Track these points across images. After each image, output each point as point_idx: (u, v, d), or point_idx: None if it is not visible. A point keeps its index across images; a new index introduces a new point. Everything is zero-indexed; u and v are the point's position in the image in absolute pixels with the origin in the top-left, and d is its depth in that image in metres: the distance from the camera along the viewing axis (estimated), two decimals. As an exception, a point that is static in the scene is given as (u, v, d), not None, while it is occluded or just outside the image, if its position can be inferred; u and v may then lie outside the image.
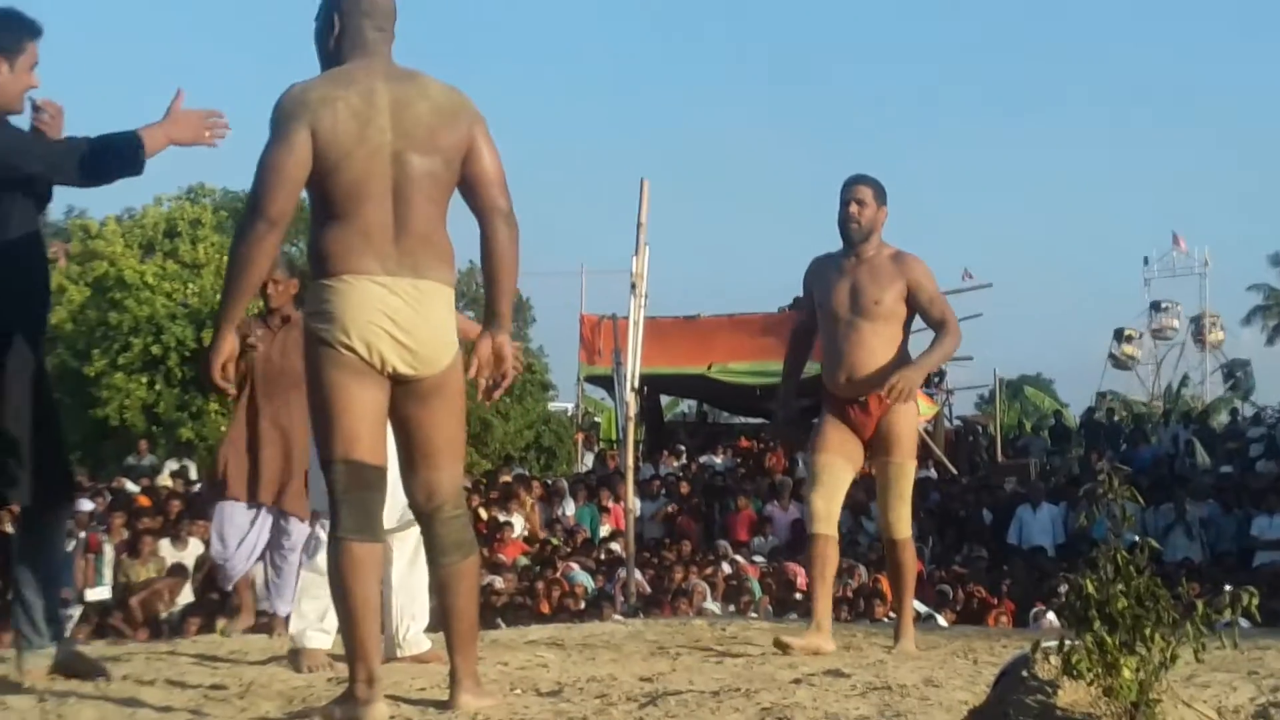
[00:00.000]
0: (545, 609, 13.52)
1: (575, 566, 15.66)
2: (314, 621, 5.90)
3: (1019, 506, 19.30)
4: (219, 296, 4.95)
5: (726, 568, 16.16)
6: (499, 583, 14.45)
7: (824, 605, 6.68)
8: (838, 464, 6.77)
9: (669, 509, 20.61)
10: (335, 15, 4.71)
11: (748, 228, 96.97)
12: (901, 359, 6.68)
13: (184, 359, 25.16)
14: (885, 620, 12.75)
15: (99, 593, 13.15)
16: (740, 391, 28.64)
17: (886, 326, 6.68)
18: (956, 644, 7.23)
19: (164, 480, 18.99)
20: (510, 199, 4.68)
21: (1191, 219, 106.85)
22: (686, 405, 37.33)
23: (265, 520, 7.36)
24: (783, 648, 6.44)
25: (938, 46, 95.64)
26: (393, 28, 4.74)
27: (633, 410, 13.95)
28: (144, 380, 25.89)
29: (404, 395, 4.55)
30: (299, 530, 7.47)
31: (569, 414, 31.99)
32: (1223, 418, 30.65)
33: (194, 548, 14.03)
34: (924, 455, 27.33)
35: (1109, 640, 3.41)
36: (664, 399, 32.95)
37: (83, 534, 14.27)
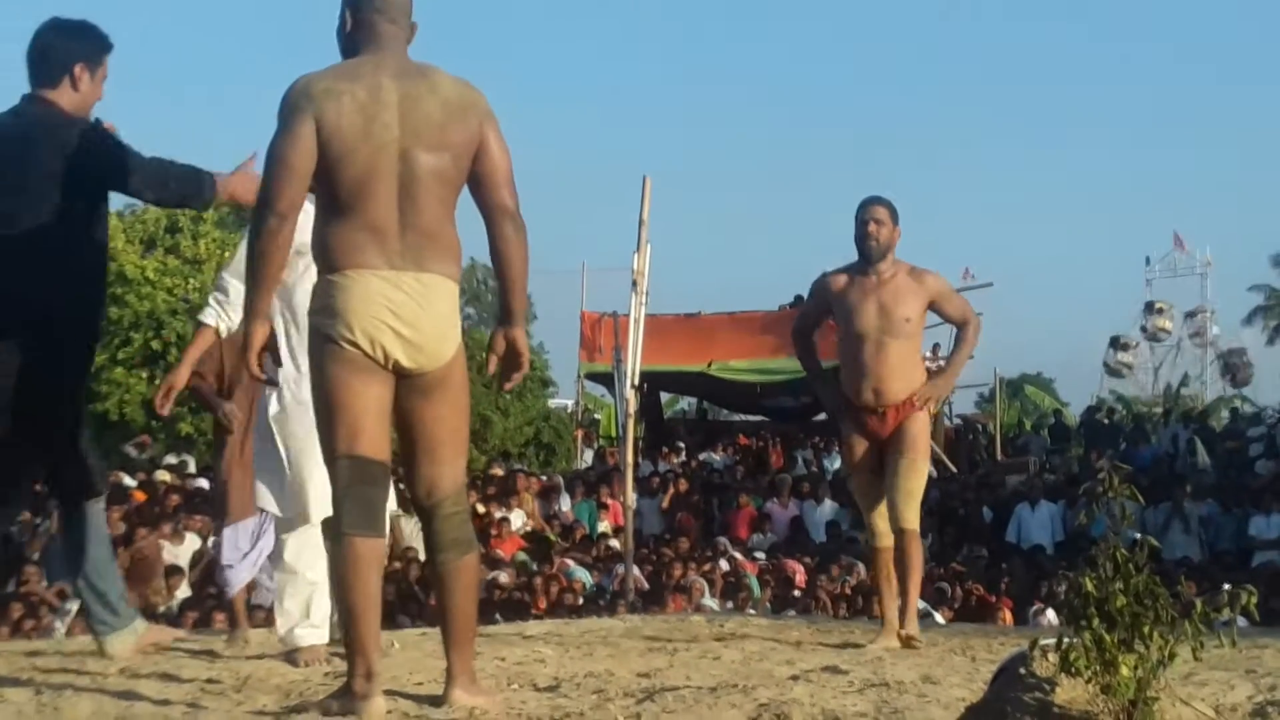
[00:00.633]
0: (543, 604, 13.51)
1: (573, 562, 15.66)
2: (299, 619, 5.91)
3: (1018, 505, 19.31)
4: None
5: (724, 564, 16.16)
6: (503, 577, 14.45)
7: (891, 606, 7.11)
8: (873, 481, 7.19)
9: (664, 504, 20.64)
10: (348, 10, 4.71)
11: (749, 226, 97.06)
12: (921, 372, 7.22)
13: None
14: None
15: None
16: (740, 389, 28.64)
17: (910, 342, 7.14)
18: (954, 641, 7.23)
19: (161, 475, 18.95)
20: (518, 198, 4.66)
21: (1193, 219, 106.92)
22: (686, 402, 37.34)
23: (268, 525, 7.27)
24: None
25: (940, 46, 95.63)
26: (407, 21, 4.73)
27: (633, 407, 13.95)
28: (144, 375, 25.87)
29: (407, 389, 4.55)
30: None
31: (569, 411, 31.96)
32: (1222, 416, 30.64)
33: (190, 543, 14.01)
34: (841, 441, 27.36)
35: (1107, 638, 3.41)
36: (664, 396, 32.95)
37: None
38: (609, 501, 19.61)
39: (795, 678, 5.40)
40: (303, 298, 5.48)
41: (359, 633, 4.43)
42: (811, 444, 26.68)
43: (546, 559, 15.70)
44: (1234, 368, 38.85)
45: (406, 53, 4.71)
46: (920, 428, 7.13)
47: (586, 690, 4.99)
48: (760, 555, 17.55)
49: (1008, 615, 13.90)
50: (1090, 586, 3.50)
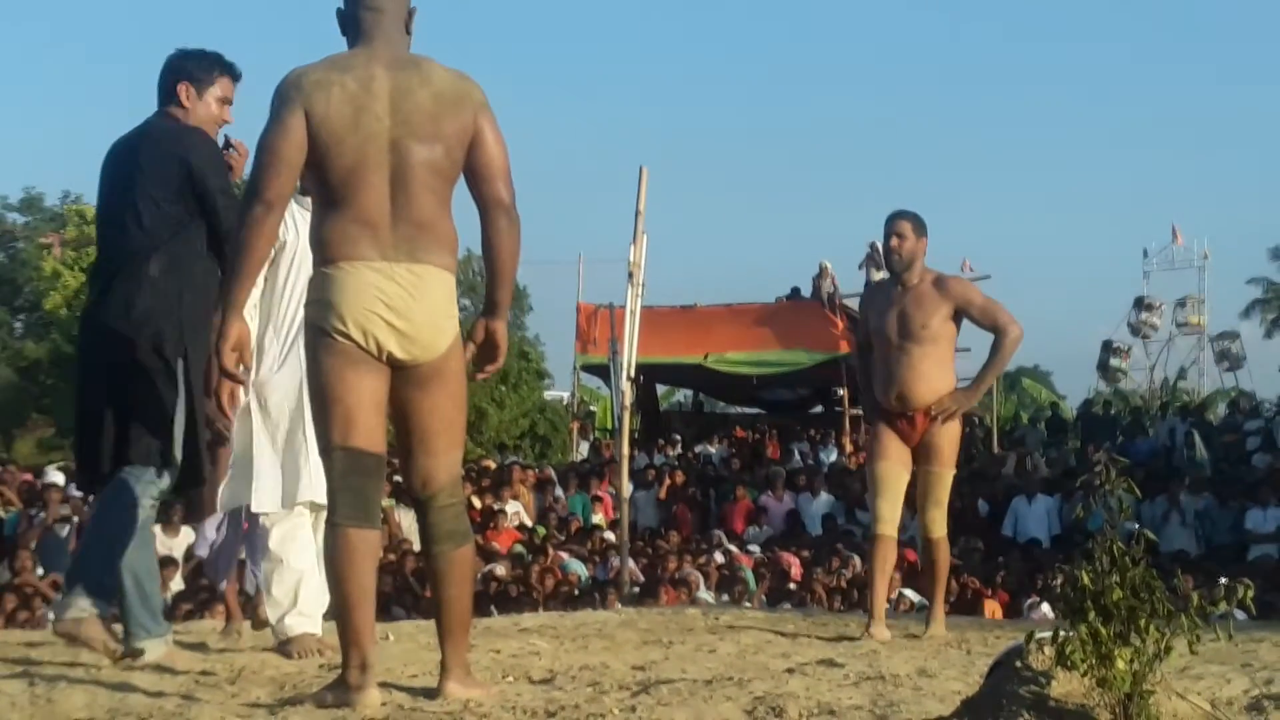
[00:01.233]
0: (538, 597, 13.51)
1: (568, 555, 15.66)
2: (288, 606, 5.90)
3: (1014, 498, 19.31)
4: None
5: (720, 557, 16.16)
6: (500, 570, 14.45)
7: (881, 598, 7.30)
8: (895, 471, 7.33)
9: (660, 496, 20.67)
10: (341, 5, 4.72)
11: (746, 218, 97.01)
12: (949, 378, 7.38)
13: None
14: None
15: None
16: (736, 381, 28.66)
17: (934, 348, 7.27)
18: (950, 634, 7.24)
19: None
20: (513, 191, 4.64)
21: (1191, 212, 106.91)
22: (682, 395, 37.38)
23: (237, 516, 7.11)
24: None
25: (939, 38, 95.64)
26: (394, 7, 4.68)
27: (628, 399, 13.92)
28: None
29: (402, 380, 4.54)
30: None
31: (564, 402, 32.00)
32: (1220, 410, 30.62)
33: (185, 535, 13.99)
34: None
35: (1103, 631, 3.40)
36: (660, 388, 32.97)
37: (76, 519, 14.25)
38: (603, 494, 19.64)
39: (791, 671, 5.40)
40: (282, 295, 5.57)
41: (353, 624, 4.43)
42: (808, 437, 26.71)
43: (540, 552, 15.70)
44: (1226, 352, 38.90)
45: (401, 41, 4.69)
46: (947, 438, 7.33)
47: (581, 683, 4.98)
48: (755, 548, 17.54)
49: (997, 609, 13.88)
50: (1086, 580, 3.49)
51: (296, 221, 5.91)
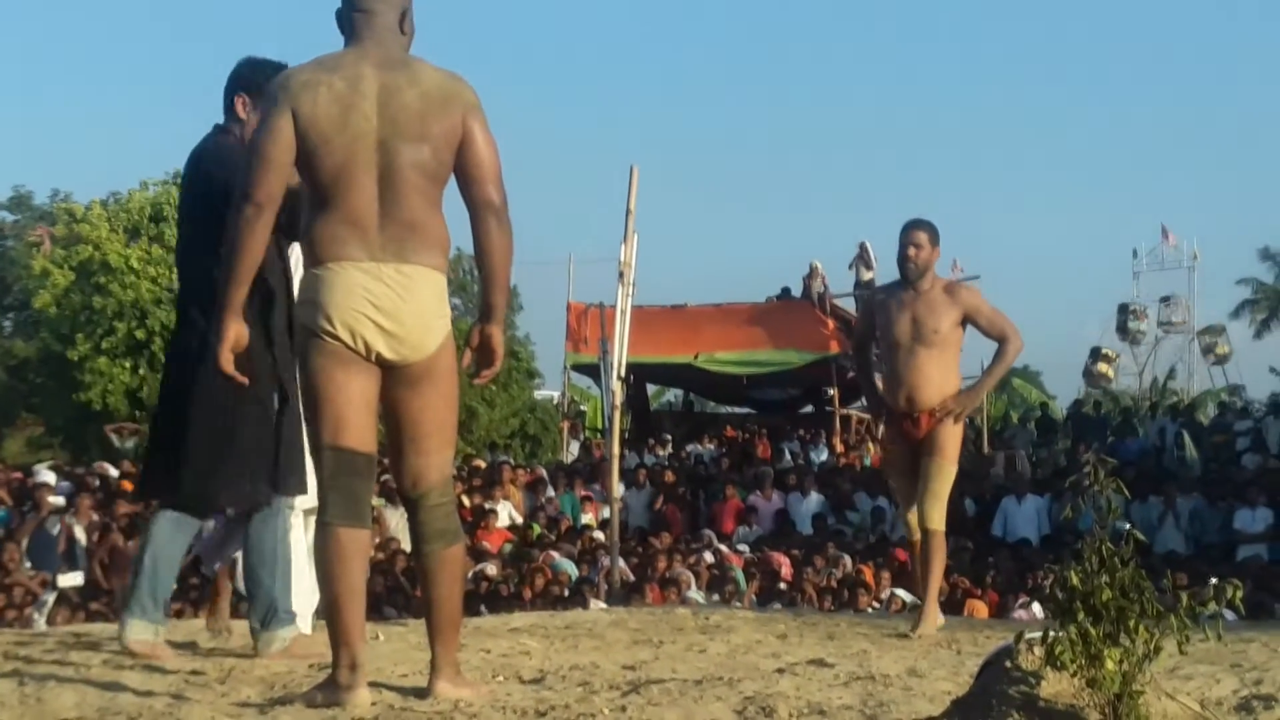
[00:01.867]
0: (528, 596, 13.50)
1: (558, 554, 15.65)
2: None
3: (1004, 498, 19.34)
4: None
5: (710, 557, 16.16)
6: (490, 569, 14.44)
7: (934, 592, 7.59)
8: (908, 481, 7.67)
9: (650, 497, 20.68)
10: (339, 6, 4.72)
11: (736, 217, 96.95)
12: (954, 381, 7.63)
13: (168, 344, 25.13)
14: (869, 610, 12.78)
15: (72, 578, 13.11)
16: (727, 381, 28.70)
17: (942, 353, 7.56)
18: (940, 635, 7.24)
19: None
20: (504, 192, 4.63)
21: (1181, 212, 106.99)
22: (673, 394, 37.37)
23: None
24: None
25: (928, 38, 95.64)
26: (385, 8, 4.67)
27: (619, 399, 13.94)
28: (128, 365, 25.88)
29: (393, 380, 4.56)
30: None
31: (555, 402, 31.98)
32: (1210, 410, 30.65)
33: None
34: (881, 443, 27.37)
35: (1093, 631, 3.41)
36: (650, 388, 32.98)
37: (60, 518, 14.27)
38: (590, 495, 19.65)
39: (781, 670, 5.40)
40: None
41: (342, 624, 4.46)
42: (798, 436, 26.71)
43: (524, 556, 15.68)
44: (1212, 347, 39.03)
45: (395, 41, 4.68)
46: (950, 433, 7.56)
47: (572, 682, 4.98)
48: (745, 548, 17.54)
49: (982, 609, 13.88)
50: (1076, 580, 3.50)
51: None
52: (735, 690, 4.73)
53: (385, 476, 11.64)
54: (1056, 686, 3.50)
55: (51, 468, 18.53)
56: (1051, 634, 3.46)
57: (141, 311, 25.81)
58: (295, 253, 5.53)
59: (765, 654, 6.12)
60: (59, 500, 15.12)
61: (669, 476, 21.84)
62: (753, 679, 5.07)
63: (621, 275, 13.34)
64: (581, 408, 32.09)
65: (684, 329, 27.21)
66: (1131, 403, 33.95)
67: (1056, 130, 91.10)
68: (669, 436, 27.42)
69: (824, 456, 24.76)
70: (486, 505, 17.60)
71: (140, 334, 25.68)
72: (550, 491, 19.83)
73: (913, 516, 7.60)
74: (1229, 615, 3.94)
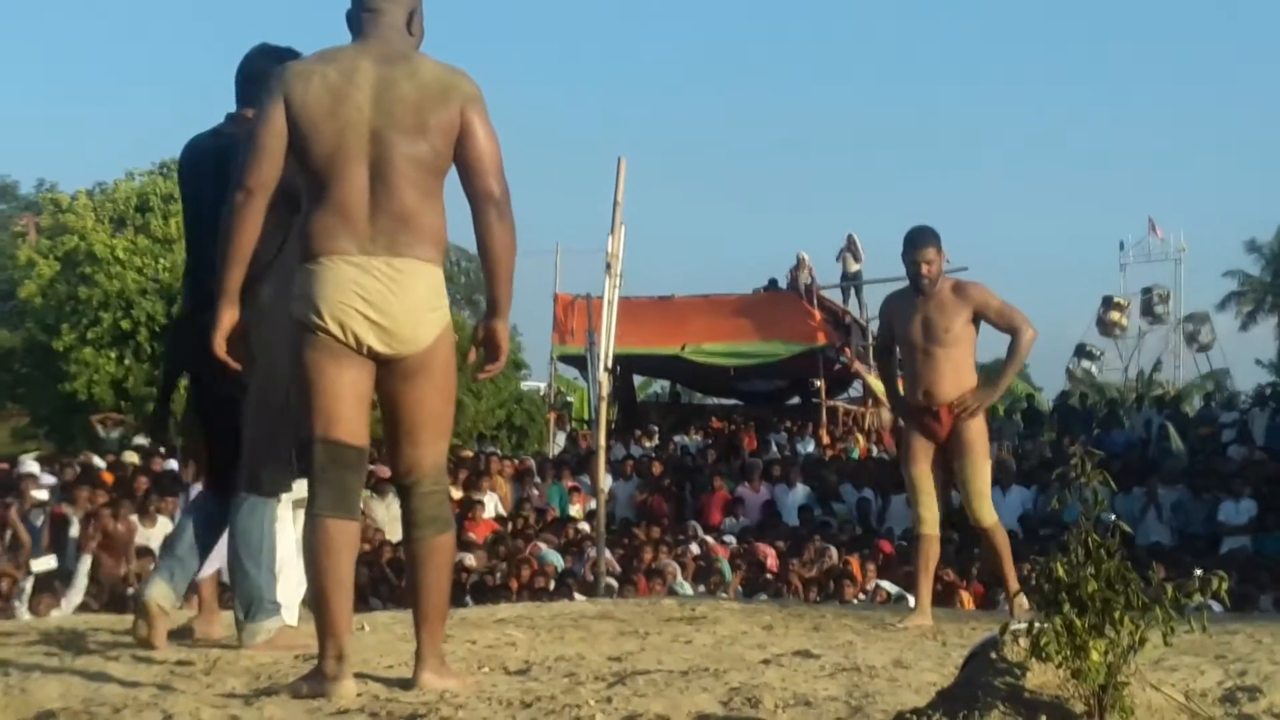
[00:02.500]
0: (514, 587, 13.50)
1: (544, 545, 15.66)
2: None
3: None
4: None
5: (696, 548, 16.16)
6: (470, 560, 14.43)
7: (925, 591, 7.86)
8: (927, 472, 7.90)
9: (637, 488, 20.70)
10: (349, 6, 4.77)
11: (723, 209, 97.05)
12: (970, 376, 7.88)
13: (154, 334, 25.07)
14: (855, 602, 12.80)
15: (45, 562, 13.09)
16: (714, 372, 28.69)
17: (956, 349, 7.83)
18: (931, 626, 7.25)
19: (129, 456, 18.83)
20: (505, 185, 4.63)
21: (1168, 204, 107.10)
22: (659, 385, 37.38)
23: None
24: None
25: (915, 32, 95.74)
26: (392, 8, 4.71)
27: (605, 390, 13.93)
28: (113, 355, 25.79)
29: (388, 373, 4.58)
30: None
31: (541, 393, 31.97)
32: (1195, 403, 30.72)
33: (162, 525, 13.94)
34: (899, 438, 27.41)
35: (1078, 623, 3.41)
36: (637, 379, 32.99)
37: (46, 508, 14.26)
38: (578, 486, 19.65)
39: (767, 661, 5.41)
40: None
41: (329, 614, 4.47)
42: (784, 428, 26.72)
43: (508, 546, 15.67)
44: (1196, 334, 39.15)
45: (401, 40, 4.70)
46: (976, 431, 7.83)
47: (557, 673, 4.98)
48: (731, 539, 17.55)
49: (969, 599, 13.92)
50: (1061, 571, 3.50)
51: None
52: (721, 681, 4.73)
53: (371, 467, 11.62)
54: (1042, 678, 3.51)
55: (37, 458, 18.49)
56: (1037, 625, 3.46)
57: (127, 302, 25.72)
58: None
59: (751, 645, 6.12)
60: (41, 495, 15.08)
61: (656, 468, 21.84)
62: (738, 670, 5.07)
63: (609, 266, 13.32)
64: (568, 399, 32.07)
65: (671, 320, 27.22)
66: (1118, 395, 33.98)
67: (1044, 123, 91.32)
68: (655, 428, 27.40)
69: (810, 448, 24.77)
70: (473, 496, 17.58)
71: (126, 324, 25.59)
72: (537, 482, 19.81)
73: (925, 510, 7.83)
74: (1215, 607, 3.94)
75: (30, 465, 17.03)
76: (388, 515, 15.87)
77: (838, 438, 26.53)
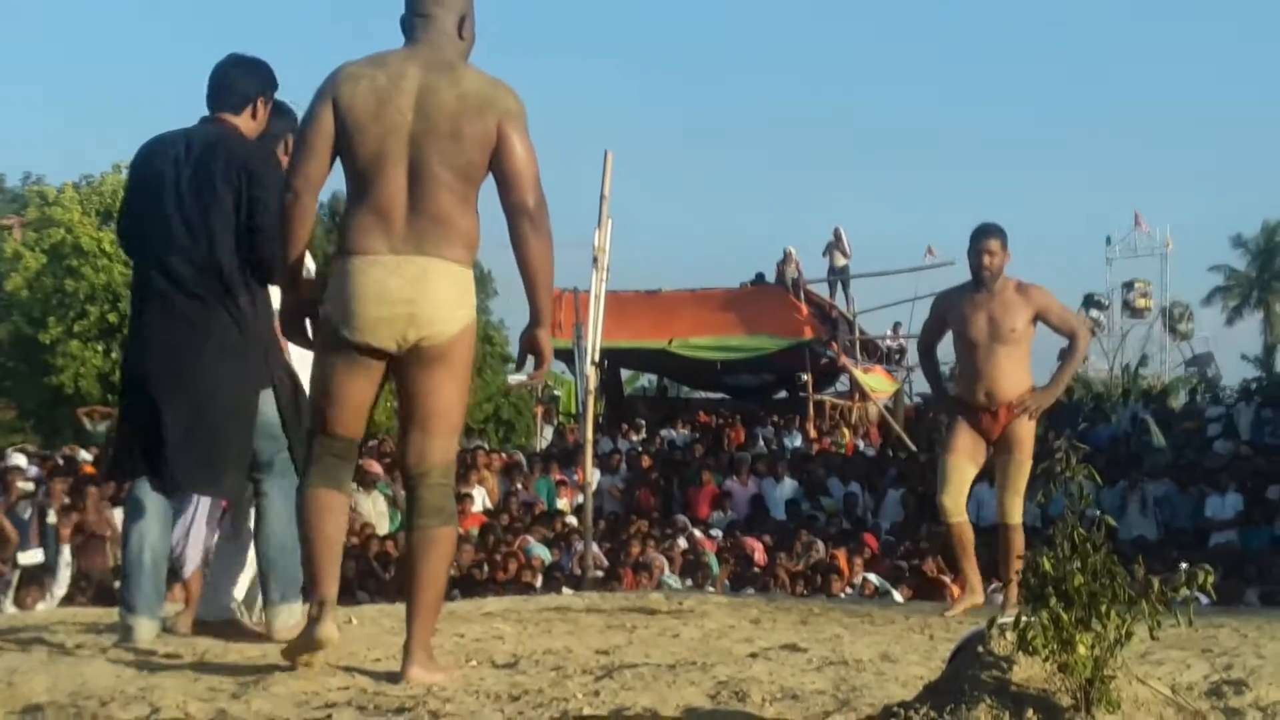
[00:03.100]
0: (501, 580, 13.49)
1: (532, 539, 15.65)
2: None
3: (975, 484, 19.32)
4: None
5: (683, 542, 16.16)
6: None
7: (973, 571, 8.11)
8: (963, 464, 8.04)
9: (624, 482, 20.70)
10: (403, 10, 4.94)
11: (711, 203, 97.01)
12: (1028, 376, 8.01)
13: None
14: (842, 595, 12.80)
15: (32, 555, 13.07)
16: (701, 366, 28.70)
17: (1017, 349, 7.96)
18: (913, 620, 7.27)
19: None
20: (541, 198, 4.77)
21: (1154, 200, 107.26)
22: (647, 379, 37.37)
23: (187, 503, 6.86)
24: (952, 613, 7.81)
25: (900, 25, 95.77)
26: (443, 14, 4.87)
27: (593, 384, 13.92)
28: (100, 348, 25.77)
29: (409, 359, 4.73)
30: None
31: (528, 389, 31.94)
32: (1181, 398, 30.79)
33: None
34: (884, 432, 27.45)
35: (1065, 617, 3.41)
36: (624, 373, 32.98)
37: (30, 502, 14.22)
38: (565, 479, 19.64)
39: (754, 655, 5.41)
40: None
41: (315, 567, 4.77)
42: (771, 422, 26.74)
43: (495, 537, 15.67)
44: (1176, 324, 39.31)
45: (452, 46, 4.87)
46: (1026, 430, 7.95)
47: (545, 667, 4.98)
48: (718, 533, 17.55)
49: (957, 593, 13.91)
50: (1048, 566, 3.50)
51: None
52: (708, 675, 4.74)
53: (359, 461, 11.61)
54: (1028, 671, 3.51)
55: (22, 450, 18.45)
56: (1024, 619, 3.47)
57: (114, 295, 25.69)
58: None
59: (739, 639, 6.12)
60: (28, 487, 15.05)
61: (644, 462, 21.85)
62: (726, 664, 5.07)
63: (596, 260, 13.31)
64: (555, 393, 32.05)
65: (658, 314, 27.24)
66: (1104, 389, 34.05)
67: (1032, 117, 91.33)
68: (643, 422, 27.43)
69: (797, 442, 24.79)
70: (461, 490, 17.55)
71: (113, 317, 25.56)
72: (525, 476, 19.80)
73: (949, 500, 7.99)
74: (1203, 600, 3.96)
75: (16, 458, 16.99)
76: (374, 510, 15.89)
77: (825, 432, 26.56)
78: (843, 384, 30.62)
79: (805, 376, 27.53)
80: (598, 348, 13.69)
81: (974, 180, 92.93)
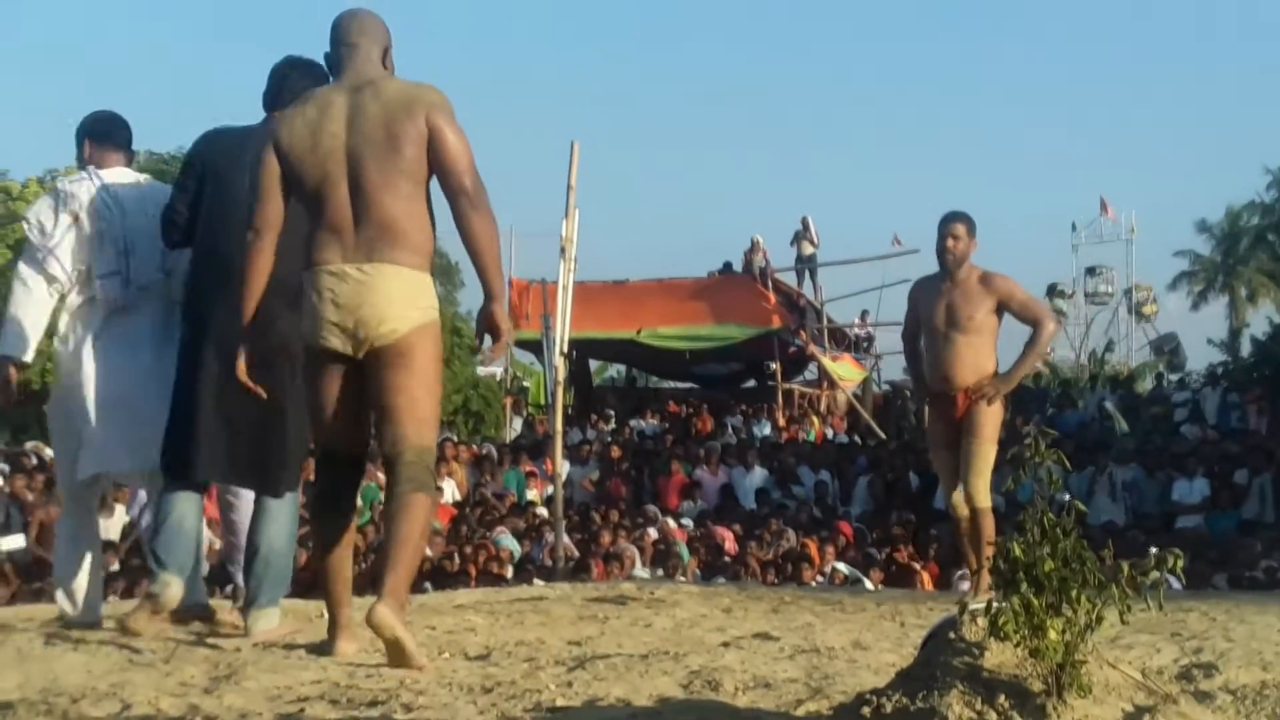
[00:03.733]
0: (473, 573, 13.47)
1: (503, 531, 15.63)
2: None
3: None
4: None
5: (654, 532, 16.17)
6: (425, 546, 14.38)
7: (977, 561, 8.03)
8: (944, 456, 8.25)
9: (594, 473, 20.71)
10: (327, 49, 5.30)
11: (678, 192, 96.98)
12: (989, 363, 8.06)
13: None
14: (813, 584, 12.84)
15: (13, 541, 13.04)
16: (669, 356, 28.71)
17: (977, 337, 8.03)
18: (884, 607, 7.29)
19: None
20: (477, 179, 5.06)
21: (1119, 185, 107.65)
22: (615, 370, 37.35)
23: (138, 494, 6.95)
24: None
25: (865, 14, 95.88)
26: (367, 40, 5.22)
27: (561, 375, 13.91)
28: (66, 344, 25.57)
29: (372, 361, 5.04)
30: (245, 494, 7.17)
31: (498, 379, 31.90)
32: (1147, 383, 30.93)
33: (119, 515, 13.86)
34: (853, 420, 27.51)
35: (1035, 602, 3.42)
36: (593, 363, 32.97)
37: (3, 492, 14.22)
38: (535, 471, 19.64)
39: (726, 644, 5.43)
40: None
41: (326, 594, 5.27)
42: (740, 411, 26.77)
43: (468, 528, 15.66)
44: (1140, 306, 39.50)
45: (376, 73, 5.18)
46: (987, 414, 8.00)
47: (518, 659, 4.99)
48: (689, 522, 17.56)
49: (928, 580, 13.99)
50: (1018, 551, 3.51)
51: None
52: (681, 664, 4.75)
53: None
54: (1000, 657, 3.52)
55: (-10, 449, 18.39)
56: (995, 605, 3.48)
57: (79, 290, 25.54)
58: None
59: (710, 628, 6.14)
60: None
61: (614, 451, 21.85)
62: (698, 653, 5.09)
63: (563, 251, 13.30)
64: (524, 384, 32.03)
65: (626, 304, 27.24)
66: (1071, 375, 34.20)
67: (996, 102, 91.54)
68: (612, 412, 27.43)
69: (766, 430, 24.82)
70: (431, 482, 17.49)
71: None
72: (494, 468, 19.79)
73: (955, 494, 8.10)
74: (1174, 584, 3.98)
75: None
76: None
77: (793, 420, 26.60)
78: (811, 372, 30.70)
79: (774, 365, 27.59)
80: (566, 338, 13.68)
81: (940, 169, 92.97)
